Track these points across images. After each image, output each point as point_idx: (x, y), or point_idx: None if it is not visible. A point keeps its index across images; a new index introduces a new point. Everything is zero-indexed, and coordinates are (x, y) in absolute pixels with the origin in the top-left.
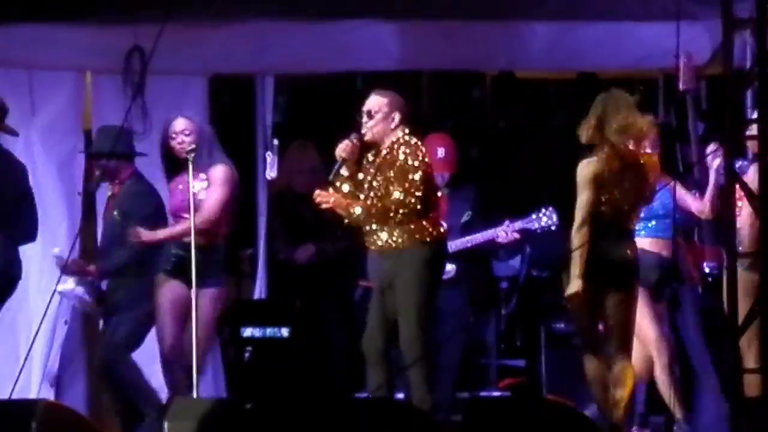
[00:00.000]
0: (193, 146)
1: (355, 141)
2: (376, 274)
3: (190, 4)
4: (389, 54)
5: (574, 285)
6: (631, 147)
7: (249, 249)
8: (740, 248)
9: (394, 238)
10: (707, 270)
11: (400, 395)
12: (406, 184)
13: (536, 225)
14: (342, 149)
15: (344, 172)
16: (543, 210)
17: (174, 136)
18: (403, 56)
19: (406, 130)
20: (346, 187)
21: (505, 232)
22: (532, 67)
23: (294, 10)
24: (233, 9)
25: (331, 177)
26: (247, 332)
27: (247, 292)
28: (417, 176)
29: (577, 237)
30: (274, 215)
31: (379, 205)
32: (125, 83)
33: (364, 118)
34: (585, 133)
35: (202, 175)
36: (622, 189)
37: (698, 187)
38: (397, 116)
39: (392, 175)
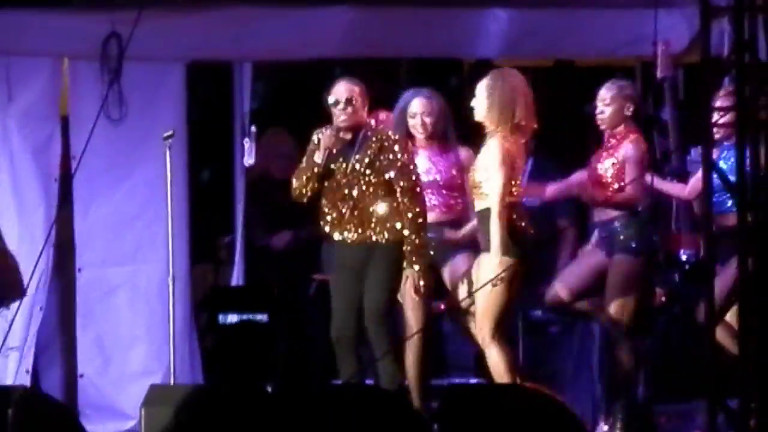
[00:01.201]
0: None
1: (331, 130)
2: (346, 263)
3: None
4: (368, 41)
5: None
6: None
7: (227, 236)
8: None
9: (368, 231)
10: (684, 257)
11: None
12: (401, 173)
13: None
14: (327, 139)
15: (317, 159)
16: None
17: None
18: (381, 43)
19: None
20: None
21: None
22: (510, 55)
23: None
24: None
25: (316, 169)
26: (225, 319)
27: (225, 278)
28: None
29: None
30: (251, 202)
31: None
32: (102, 69)
33: (341, 106)
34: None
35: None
36: None
37: (677, 175)
38: (366, 104)
39: (386, 164)
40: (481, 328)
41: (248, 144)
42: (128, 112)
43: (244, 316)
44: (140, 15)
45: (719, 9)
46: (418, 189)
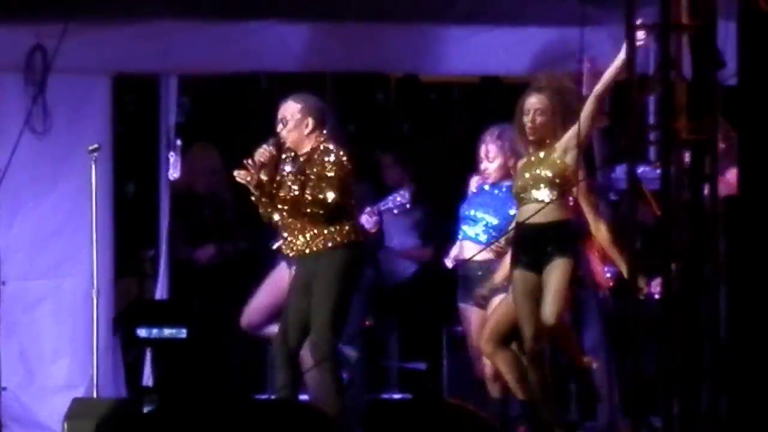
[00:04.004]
0: None
1: (272, 147)
2: (297, 275)
3: (93, 3)
4: (294, 55)
5: None
6: None
7: (151, 249)
8: None
9: (313, 242)
10: (609, 275)
11: (305, 397)
12: (330, 188)
13: (391, 205)
14: (260, 154)
15: (263, 176)
16: (399, 191)
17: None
18: (307, 58)
19: (323, 136)
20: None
21: (367, 219)
22: (437, 71)
23: (198, 10)
24: (137, 8)
25: (256, 191)
26: (144, 332)
27: (149, 292)
28: (340, 179)
29: None
30: (175, 216)
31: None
32: (27, 82)
33: (279, 125)
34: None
35: None
36: None
37: (602, 190)
38: (310, 122)
39: (316, 181)
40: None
41: (173, 158)
42: (53, 125)
43: (163, 331)
44: (66, 28)
45: (645, 27)
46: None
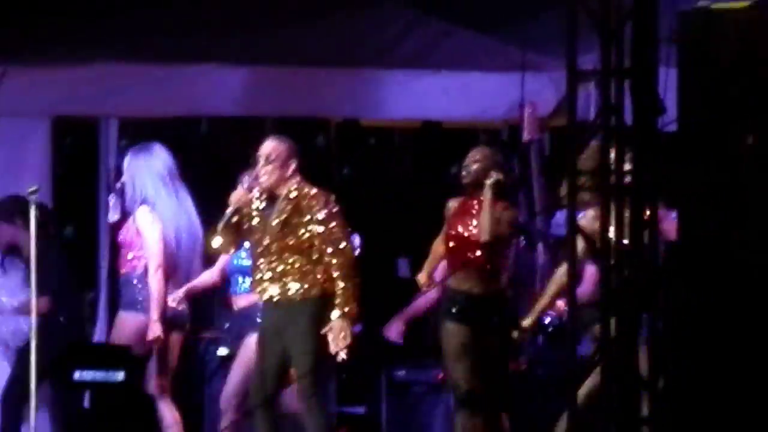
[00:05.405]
0: None
1: (246, 188)
2: (268, 321)
3: (34, 46)
4: (234, 99)
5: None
6: None
7: (90, 291)
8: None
9: (288, 289)
10: (547, 320)
11: None
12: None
13: None
14: (237, 197)
15: (234, 219)
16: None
17: None
18: (247, 102)
19: (299, 179)
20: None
21: None
22: (378, 116)
23: (139, 53)
24: (78, 51)
25: (221, 225)
26: (80, 376)
27: (88, 335)
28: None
29: None
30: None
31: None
32: None
33: (261, 163)
34: None
35: None
36: None
37: (542, 237)
38: (293, 164)
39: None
40: None
41: (113, 200)
42: None
43: (99, 374)
44: (6, 70)
45: (586, 73)
46: (343, 244)
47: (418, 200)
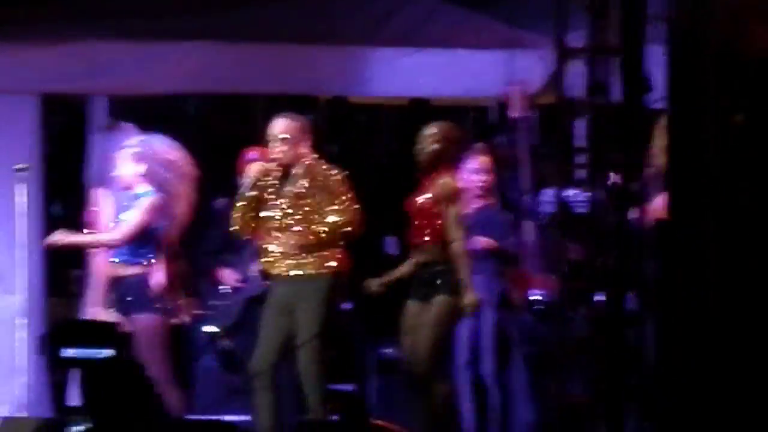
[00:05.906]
0: None
1: (260, 163)
2: (277, 297)
3: (22, 23)
4: (223, 77)
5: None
6: None
7: (78, 269)
8: None
9: (300, 267)
10: (535, 297)
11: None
12: (340, 207)
13: None
14: (257, 170)
15: (253, 192)
16: None
17: None
18: (236, 79)
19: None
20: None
21: None
22: (367, 93)
23: (127, 31)
24: (66, 28)
25: (246, 194)
26: (67, 352)
27: (76, 312)
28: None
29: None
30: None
31: (320, 230)
32: None
33: (277, 142)
34: None
35: None
36: None
37: (531, 214)
38: (307, 140)
39: (326, 199)
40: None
41: None
42: None
43: (87, 351)
44: None
45: (575, 51)
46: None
47: (407, 178)
